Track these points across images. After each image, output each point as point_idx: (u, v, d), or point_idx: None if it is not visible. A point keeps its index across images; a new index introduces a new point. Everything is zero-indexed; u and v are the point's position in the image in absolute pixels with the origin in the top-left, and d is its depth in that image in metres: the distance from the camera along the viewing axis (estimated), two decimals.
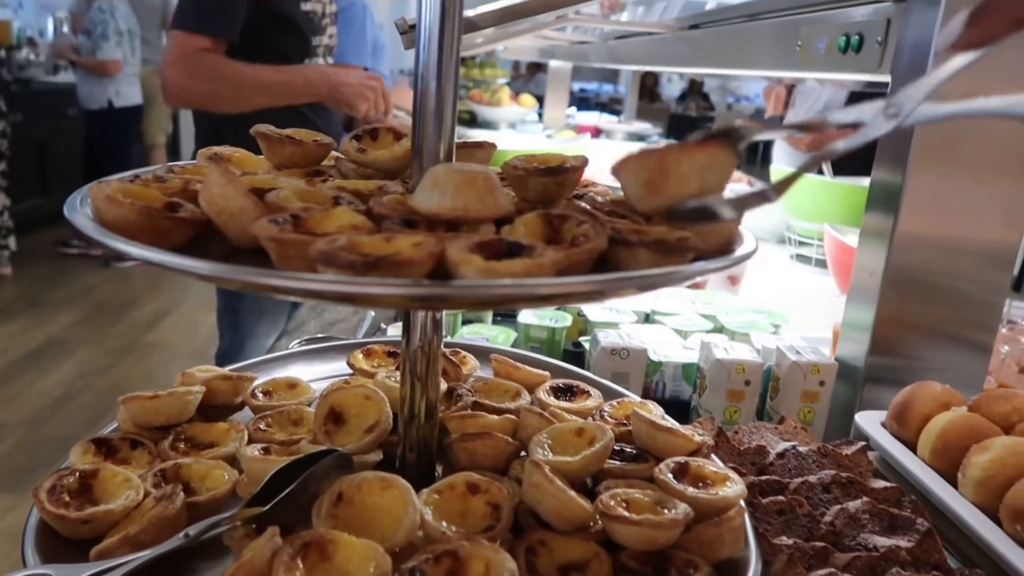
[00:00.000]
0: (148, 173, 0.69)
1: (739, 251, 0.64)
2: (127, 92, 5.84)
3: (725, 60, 2.01)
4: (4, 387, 3.88)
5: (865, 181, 2.38)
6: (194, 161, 0.78)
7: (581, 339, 1.38)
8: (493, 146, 0.82)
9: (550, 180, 0.69)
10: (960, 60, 0.57)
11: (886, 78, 1.14)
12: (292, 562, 0.55)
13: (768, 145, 7.74)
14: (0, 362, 4.15)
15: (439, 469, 0.80)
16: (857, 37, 1.20)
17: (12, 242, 5.23)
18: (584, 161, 0.72)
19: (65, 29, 6.85)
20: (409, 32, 1.07)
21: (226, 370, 0.89)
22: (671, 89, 11.09)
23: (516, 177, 0.70)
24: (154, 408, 0.77)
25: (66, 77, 6.68)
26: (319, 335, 1.22)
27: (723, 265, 0.61)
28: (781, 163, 3.22)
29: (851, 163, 2.93)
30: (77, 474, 0.67)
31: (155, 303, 5.18)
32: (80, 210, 0.58)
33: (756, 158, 8.96)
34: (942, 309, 1.13)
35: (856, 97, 3.29)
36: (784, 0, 1.51)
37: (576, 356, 1.40)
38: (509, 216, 0.62)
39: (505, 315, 1.55)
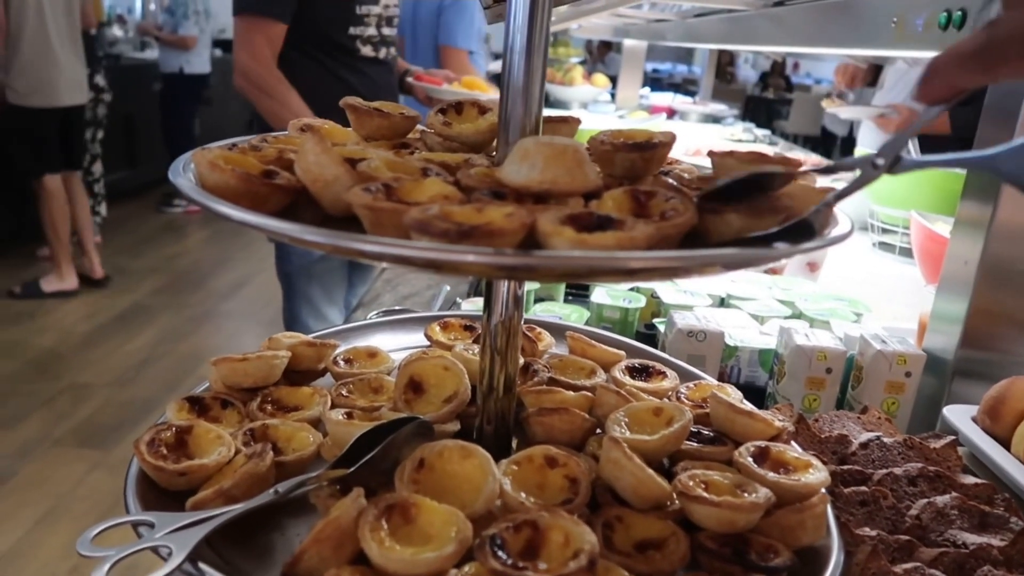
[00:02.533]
0: (244, 142, 0.71)
1: (832, 232, 0.62)
2: (196, 62, 6.67)
3: (811, 38, 1.94)
4: (92, 349, 4.09)
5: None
6: (284, 132, 0.80)
7: (655, 321, 1.37)
8: (578, 121, 0.82)
9: (638, 156, 0.68)
10: (931, 112, 0.56)
11: None
12: (377, 522, 0.56)
13: (852, 127, 7.46)
14: (88, 325, 4.38)
15: (514, 443, 0.80)
16: (960, 12, 1.14)
17: (104, 209, 5.50)
18: (672, 137, 0.71)
19: (152, 7, 7.23)
20: (493, 7, 1.07)
21: (310, 337, 0.91)
22: (747, 70, 10.79)
23: (603, 152, 0.69)
24: (243, 370, 0.80)
25: (151, 54, 7.10)
26: (396, 307, 1.24)
27: (815, 246, 0.59)
28: (867, 146, 3.09)
29: (940, 148, 2.81)
30: (174, 429, 0.70)
31: (232, 274, 5.36)
32: (183, 175, 0.60)
33: (844, 143, 8.67)
34: None
35: None
36: None
37: (648, 338, 1.39)
38: (597, 190, 0.61)
39: (577, 294, 1.55)
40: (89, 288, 4.75)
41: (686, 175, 0.72)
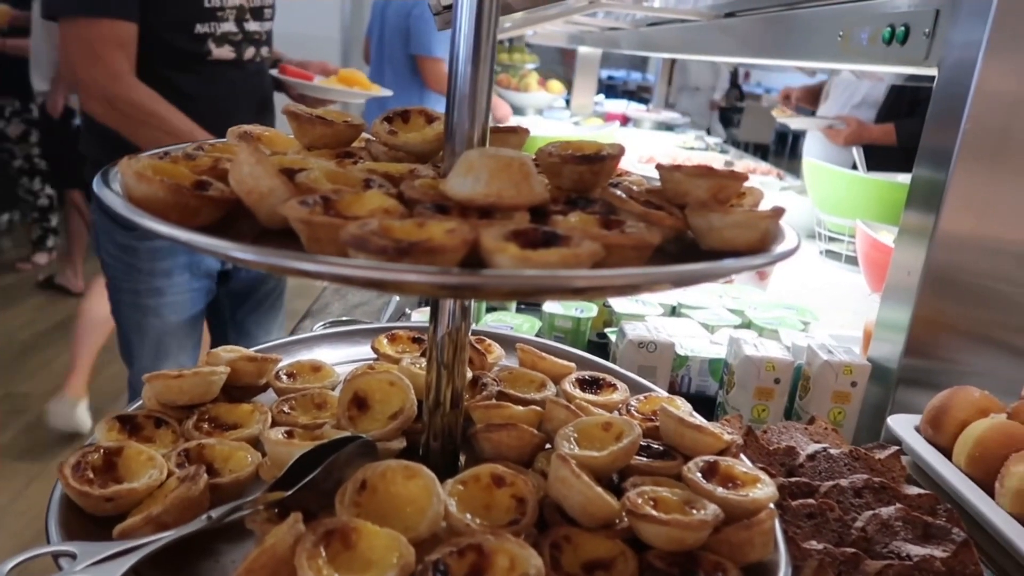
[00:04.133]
0: (178, 150, 0.68)
1: (779, 248, 0.62)
2: None
3: (761, 49, 1.96)
4: (29, 360, 3.95)
5: (900, 177, 2.34)
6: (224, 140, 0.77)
7: (607, 330, 1.36)
8: (527, 132, 0.80)
9: (586, 168, 0.67)
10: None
11: (932, 71, 1.11)
12: (315, 549, 0.54)
13: (798, 136, 7.62)
14: (28, 332, 4.22)
15: (462, 459, 0.79)
16: (903, 28, 1.17)
17: None
18: (621, 150, 0.70)
19: None
20: (443, 13, 1.05)
21: (251, 351, 0.88)
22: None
23: (551, 164, 0.68)
24: (178, 387, 0.76)
25: None
26: (343, 318, 1.22)
27: (763, 263, 0.59)
28: (813, 155, 3.16)
29: (886, 158, 2.88)
30: (102, 451, 0.67)
31: None
32: (109, 187, 0.57)
33: (786, 149, 8.84)
34: (982, 312, 1.10)
35: (896, 91, 3.21)
36: None
37: (601, 347, 1.38)
38: (544, 204, 0.60)
39: (529, 304, 1.54)
40: (36, 293, 4.61)
41: (635, 187, 0.71)
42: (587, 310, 1.38)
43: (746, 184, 0.68)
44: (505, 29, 3.39)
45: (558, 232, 0.52)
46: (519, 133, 0.80)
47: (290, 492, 0.62)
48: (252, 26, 1.77)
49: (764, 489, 0.68)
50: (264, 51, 1.83)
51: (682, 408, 0.85)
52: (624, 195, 0.67)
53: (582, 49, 4.49)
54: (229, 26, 1.71)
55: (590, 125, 3.99)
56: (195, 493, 0.61)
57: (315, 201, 0.53)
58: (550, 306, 1.38)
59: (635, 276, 0.48)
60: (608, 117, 4.45)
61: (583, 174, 0.68)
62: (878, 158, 2.59)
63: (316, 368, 0.90)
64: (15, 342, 4.12)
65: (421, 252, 0.46)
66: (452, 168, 0.59)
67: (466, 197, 0.57)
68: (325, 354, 1.00)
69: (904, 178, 2.36)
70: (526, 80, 4.54)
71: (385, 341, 0.97)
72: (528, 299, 0.48)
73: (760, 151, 8.36)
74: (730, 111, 9.26)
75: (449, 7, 1.04)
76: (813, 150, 3.43)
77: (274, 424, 0.77)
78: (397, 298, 1.42)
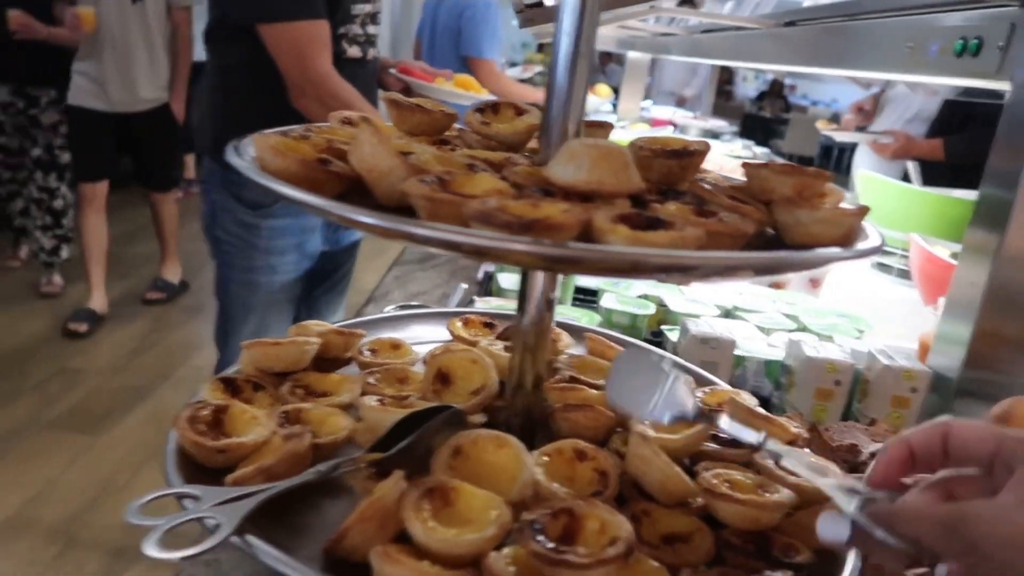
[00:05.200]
0: (292, 130, 0.73)
1: (863, 245, 0.65)
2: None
3: (820, 59, 1.97)
4: (84, 336, 4.08)
5: (956, 192, 2.33)
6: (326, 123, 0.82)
7: (663, 328, 1.39)
8: (611, 127, 0.84)
9: (676, 162, 0.71)
10: None
11: (1005, 85, 1.12)
12: (419, 503, 0.58)
13: (843, 151, 7.54)
14: None
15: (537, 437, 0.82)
16: (976, 41, 1.18)
17: None
18: (707, 147, 0.73)
19: None
20: (525, 11, 1.09)
21: (337, 326, 0.93)
22: (746, 88, 10.89)
23: (642, 157, 0.71)
24: (275, 354, 0.81)
25: None
26: (412, 303, 1.26)
27: (853, 256, 0.62)
28: (864, 167, 3.14)
29: (933, 174, 2.86)
30: (211, 408, 0.71)
31: None
32: (240, 158, 0.62)
33: (831, 163, 8.75)
34: None
35: (950, 106, 3.18)
36: (895, 0, 1.48)
37: (655, 345, 1.41)
38: (640, 192, 0.64)
39: (585, 299, 1.57)
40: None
41: (720, 183, 0.74)
42: (644, 307, 1.41)
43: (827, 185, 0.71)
44: (543, 28, 3.43)
45: (661, 217, 0.55)
46: (605, 128, 0.83)
47: (388, 453, 0.66)
48: (371, 29, 1.92)
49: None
50: (375, 51, 1.98)
51: (748, 401, 0.88)
52: (710, 187, 0.71)
53: (631, 54, 4.50)
54: (357, 29, 1.86)
55: (636, 130, 4.01)
56: (302, 449, 0.66)
57: (432, 180, 0.58)
58: (608, 301, 1.41)
59: (741, 260, 0.51)
60: (655, 123, 4.47)
61: (672, 168, 0.71)
62: (933, 173, 2.57)
63: (395, 345, 0.95)
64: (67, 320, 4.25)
65: (542, 228, 0.50)
66: (554, 156, 0.63)
67: (568, 183, 0.60)
68: (399, 334, 1.04)
69: (959, 193, 2.35)
70: None
71: (459, 324, 1.01)
72: (638, 276, 0.51)
73: (804, 164, 8.28)
74: (774, 122, 9.20)
75: (532, 5, 1.08)
76: (863, 165, 3.42)
77: (363, 394, 0.81)
78: (464, 285, 1.46)
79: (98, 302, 4.16)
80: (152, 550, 0.53)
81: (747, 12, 2.64)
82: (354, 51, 1.88)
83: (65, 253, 4.57)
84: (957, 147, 3.05)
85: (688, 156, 0.71)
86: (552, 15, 1.05)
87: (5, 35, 3.82)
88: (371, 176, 0.60)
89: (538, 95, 4.22)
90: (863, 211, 0.65)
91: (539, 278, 0.74)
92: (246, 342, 0.83)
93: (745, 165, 0.72)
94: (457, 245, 0.52)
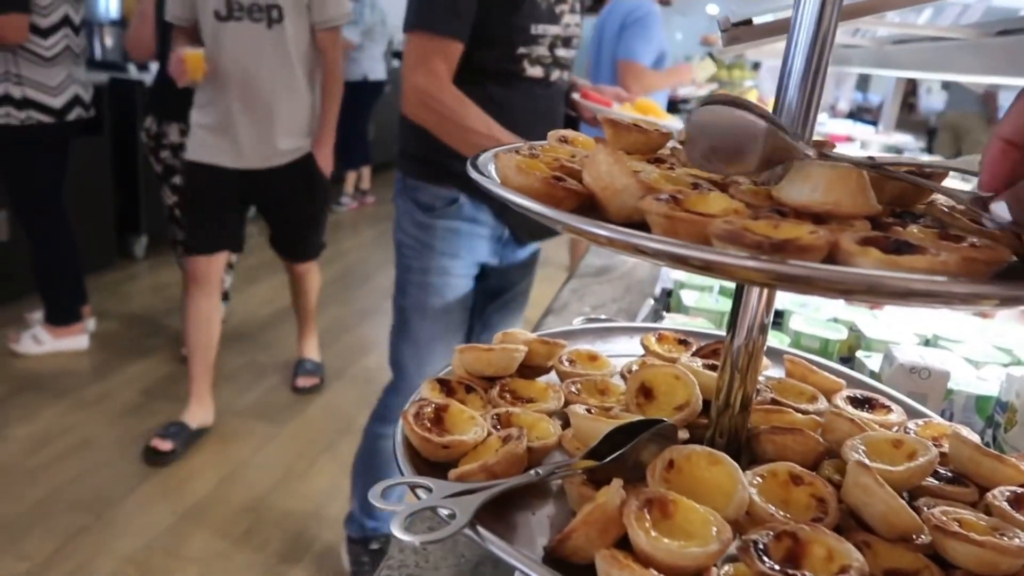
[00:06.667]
0: (518, 148, 0.77)
1: None
2: (377, 69, 7.02)
3: None
4: (268, 333, 4.45)
5: None
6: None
7: (858, 354, 1.33)
8: (834, 144, 0.82)
9: (910, 185, 0.68)
10: None
11: None
12: (640, 512, 0.60)
13: None
14: (267, 310, 4.76)
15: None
16: None
17: None
18: (946, 172, 0.70)
19: None
20: (731, 30, 1.08)
21: (539, 335, 0.97)
22: (930, 100, 10.09)
23: (872, 178, 0.69)
24: (487, 359, 0.86)
25: None
26: (601, 316, 1.28)
27: None
28: None
29: None
30: (433, 405, 0.77)
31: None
32: (477, 173, 0.67)
33: None
34: None
35: None
36: None
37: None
38: (878, 215, 0.62)
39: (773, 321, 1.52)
40: (272, 274, 5.15)
41: (954, 207, 0.70)
42: (836, 331, 1.36)
43: None
44: (748, 45, 3.36)
45: (910, 241, 0.54)
46: (827, 146, 0.81)
47: (604, 462, 0.68)
48: (561, 52, 2.00)
49: None
50: (566, 74, 2.06)
51: (971, 437, 0.83)
52: (947, 209, 0.67)
53: None
54: (543, 51, 1.94)
55: None
56: (521, 451, 0.69)
57: (667, 198, 0.59)
58: (797, 323, 1.37)
59: (1005, 290, 0.49)
60: (832, 138, 4.25)
61: (906, 189, 0.68)
62: None
63: (593, 357, 0.97)
64: (256, 317, 4.66)
65: (792, 250, 0.50)
66: (787, 176, 0.63)
67: (803, 204, 0.60)
68: (593, 346, 1.06)
69: None
70: (745, 96, 4.44)
71: (653, 339, 1.02)
72: (888, 301, 0.50)
73: None
74: None
75: (739, 24, 1.08)
76: None
77: (566, 403, 0.84)
78: (651, 301, 1.47)
79: (197, 416, 3.30)
80: (399, 532, 0.58)
81: (947, 22, 2.46)
82: (535, 71, 1.96)
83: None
84: None
85: (925, 178, 0.68)
86: (760, 33, 1.03)
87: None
88: (605, 194, 0.63)
89: (681, 73, 4.15)
90: None
91: (753, 300, 0.74)
92: (460, 346, 0.88)
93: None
94: (676, 256, 0.53)
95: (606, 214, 0.64)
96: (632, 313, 1.56)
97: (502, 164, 0.64)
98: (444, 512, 0.62)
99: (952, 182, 0.78)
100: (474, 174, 0.66)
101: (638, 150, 0.82)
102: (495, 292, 2.29)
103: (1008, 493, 0.70)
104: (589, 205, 0.65)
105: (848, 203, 0.59)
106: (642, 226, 0.59)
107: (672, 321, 1.31)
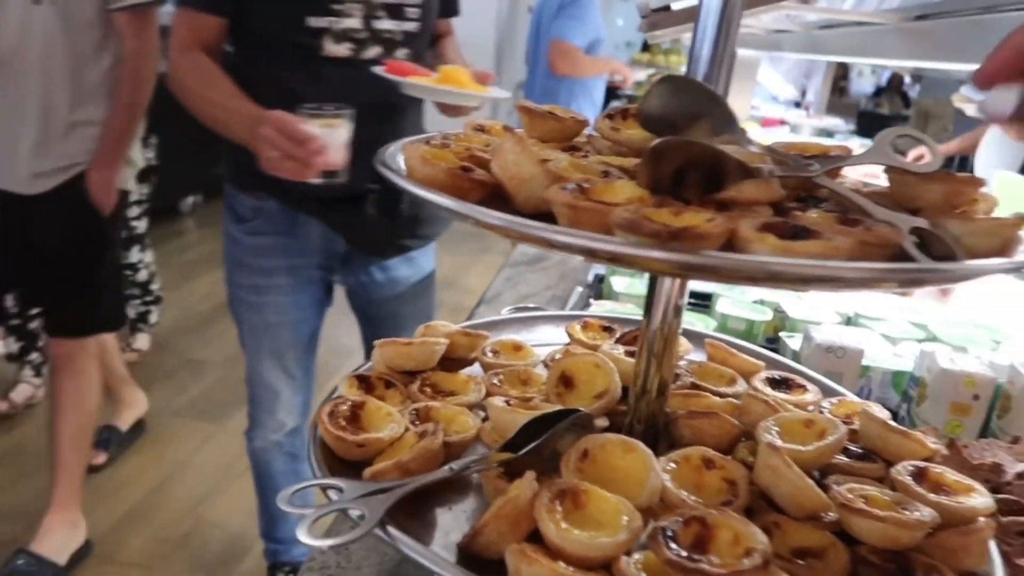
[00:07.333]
0: (428, 138, 0.76)
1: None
2: None
3: (953, 54, 1.86)
4: (207, 329, 4.33)
5: None
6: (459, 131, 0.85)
7: (781, 335, 1.35)
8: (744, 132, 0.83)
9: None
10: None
11: None
12: (552, 504, 0.59)
13: (967, 156, 7.07)
14: (204, 306, 4.63)
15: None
16: None
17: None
18: (848, 151, 0.71)
19: None
20: (651, 16, 1.09)
21: (462, 327, 0.96)
22: (861, 84, 10.38)
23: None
24: (407, 353, 0.85)
25: None
26: (529, 304, 1.28)
27: (1009, 267, 0.58)
28: (984, 169, 2.94)
29: None
30: (349, 403, 0.75)
31: None
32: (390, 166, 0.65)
33: (953, 165, 8.22)
34: None
35: None
36: None
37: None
38: (780, 200, 0.63)
39: (698, 304, 1.55)
40: (209, 269, 5.00)
41: (859, 190, 0.72)
42: (761, 313, 1.38)
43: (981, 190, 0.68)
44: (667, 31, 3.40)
45: (807, 226, 0.54)
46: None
47: (519, 454, 0.67)
48: (385, 24, 1.61)
49: (980, 498, 0.68)
50: (400, 52, 1.63)
51: (880, 413, 0.85)
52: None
53: (741, 52, 4.39)
54: (353, 22, 1.57)
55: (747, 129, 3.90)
56: (436, 446, 0.68)
57: (573, 187, 0.59)
58: (723, 306, 1.39)
59: (895, 272, 0.50)
60: (765, 122, 4.33)
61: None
62: None
63: (517, 347, 0.96)
64: (193, 313, 4.53)
65: (689, 237, 0.50)
66: None
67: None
68: (519, 336, 1.06)
69: None
70: None
71: (578, 327, 1.02)
72: (784, 287, 0.50)
73: None
74: (892, 119, 8.74)
75: (658, 10, 1.08)
76: (987, 161, 3.21)
77: (488, 395, 0.83)
78: (580, 289, 1.47)
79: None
80: (304, 536, 0.56)
81: (871, 7, 2.52)
82: (339, 49, 1.56)
83: (154, 318, 3.87)
84: None
85: (828, 161, 0.69)
86: (678, 19, 1.04)
87: None
88: (512, 183, 0.62)
89: (612, 64, 4.22)
90: (1022, 220, 0.61)
91: (667, 284, 0.74)
92: (379, 341, 0.86)
93: (888, 170, 0.69)
94: (585, 249, 0.53)
95: (515, 205, 0.63)
96: (565, 301, 1.57)
97: (408, 155, 0.62)
98: (355, 513, 0.61)
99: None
100: (380, 168, 0.64)
101: (553, 138, 0.82)
102: (375, 322, 1.93)
103: (911, 467, 0.72)
104: (499, 196, 0.64)
105: (750, 189, 0.60)
106: (551, 217, 0.59)
107: (600, 308, 1.32)
